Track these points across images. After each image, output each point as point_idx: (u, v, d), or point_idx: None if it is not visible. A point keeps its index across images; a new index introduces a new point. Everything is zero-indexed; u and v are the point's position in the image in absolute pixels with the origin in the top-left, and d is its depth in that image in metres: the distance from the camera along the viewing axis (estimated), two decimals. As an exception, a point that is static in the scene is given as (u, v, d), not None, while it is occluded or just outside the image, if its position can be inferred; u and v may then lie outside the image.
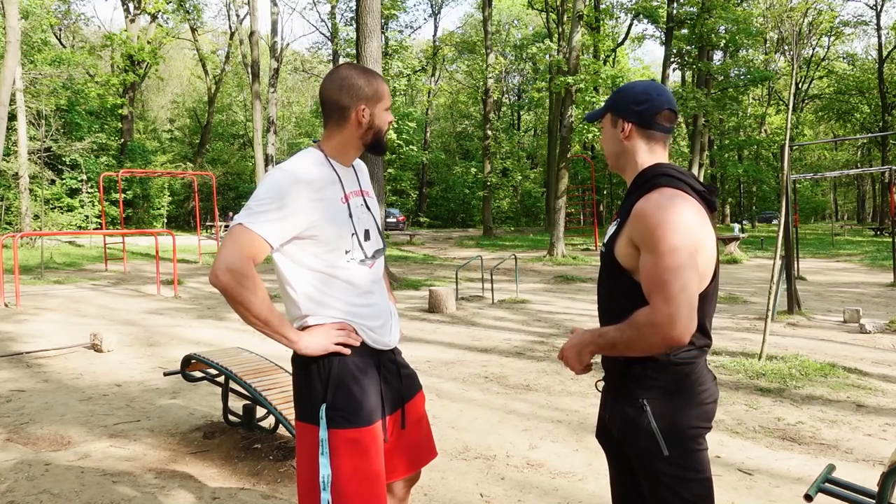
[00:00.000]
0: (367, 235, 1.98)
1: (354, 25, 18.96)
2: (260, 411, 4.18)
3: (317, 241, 1.86)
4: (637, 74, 49.51)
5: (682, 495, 1.62)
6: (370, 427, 1.86)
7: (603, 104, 1.85)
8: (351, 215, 1.93)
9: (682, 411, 1.63)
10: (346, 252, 1.90)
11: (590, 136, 24.38)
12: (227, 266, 1.74)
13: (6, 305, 9.85)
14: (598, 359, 1.90)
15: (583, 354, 1.73)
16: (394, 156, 35.29)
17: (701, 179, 1.76)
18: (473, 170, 43.01)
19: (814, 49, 43.73)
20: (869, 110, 43.82)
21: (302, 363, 1.90)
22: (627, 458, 1.76)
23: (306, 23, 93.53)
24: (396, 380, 2.02)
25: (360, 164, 2.12)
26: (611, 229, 1.75)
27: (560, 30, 30.84)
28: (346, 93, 1.92)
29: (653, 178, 1.67)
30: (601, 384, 1.88)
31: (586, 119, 1.95)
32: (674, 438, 1.62)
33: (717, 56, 29.59)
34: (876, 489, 2.17)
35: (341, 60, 31.02)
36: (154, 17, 33.15)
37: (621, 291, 1.69)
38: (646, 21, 29.02)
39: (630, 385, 1.68)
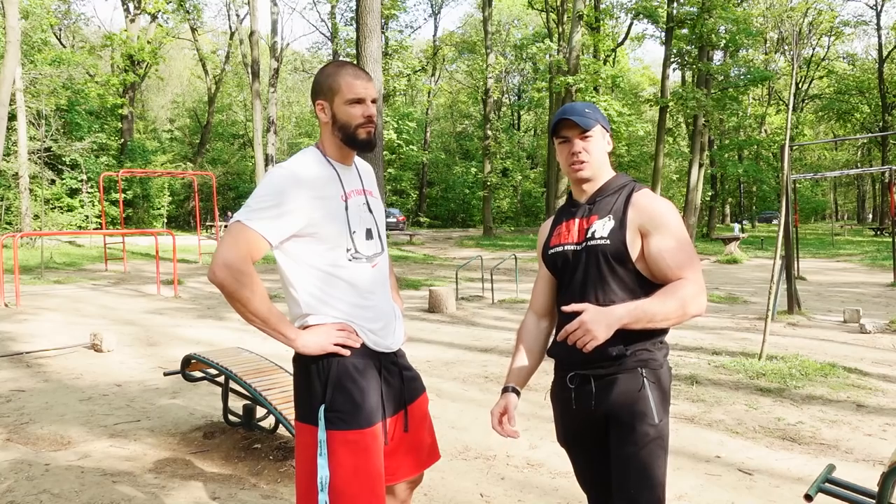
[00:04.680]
0: (368, 234, 1.98)
1: (354, 25, 18.95)
2: (260, 411, 4.18)
3: (317, 239, 1.86)
4: (637, 74, 49.52)
5: (658, 461, 1.78)
6: (369, 429, 1.86)
7: (588, 115, 1.91)
8: (350, 213, 1.93)
9: (666, 385, 1.84)
10: (347, 250, 1.90)
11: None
12: (224, 262, 1.75)
13: (6, 305, 9.85)
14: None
15: (612, 326, 1.69)
16: (394, 156, 35.31)
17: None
18: (473, 170, 42.96)
19: (814, 49, 43.66)
20: (869, 110, 43.75)
21: (302, 363, 1.90)
22: (603, 442, 1.85)
23: (306, 23, 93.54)
24: (398, 382, 2.01)
25: (365, 165, 2.12)
26: (603, 226, 1.85)
27: (560, 30, 30.80)
28: (314, 90, 1.96)
29: (629, 182, 1.91)
30: (574, 378, 1.87)
31: (581, 124, 1.90)
32: (660, 408, 1.80)
33: (717, 56, 29.55)
34: (876, 489, 2.17)
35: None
36: (154, 17, 33.11)
37: (622, 282, 1.82)
38: (646, 21, 28.95)
39: (631, 360, 1.80)
